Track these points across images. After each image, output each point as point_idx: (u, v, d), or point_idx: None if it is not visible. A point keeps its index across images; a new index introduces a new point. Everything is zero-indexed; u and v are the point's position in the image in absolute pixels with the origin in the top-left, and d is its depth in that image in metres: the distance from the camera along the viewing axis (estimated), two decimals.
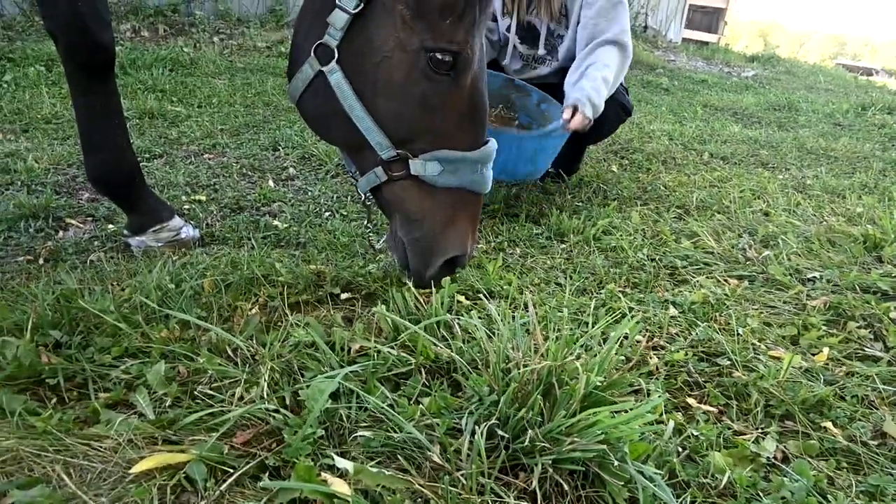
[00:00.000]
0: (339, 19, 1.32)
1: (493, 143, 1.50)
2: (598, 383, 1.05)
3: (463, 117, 1.43)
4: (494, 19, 2.60)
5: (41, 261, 1.84)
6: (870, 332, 1.58)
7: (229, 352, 1.26)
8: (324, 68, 1.37)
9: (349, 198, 2.50)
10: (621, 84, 2.54)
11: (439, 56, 1.33)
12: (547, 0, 2.38)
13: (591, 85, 2.21)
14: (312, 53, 1.37)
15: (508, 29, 2.59)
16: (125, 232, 1.93)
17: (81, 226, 2.13)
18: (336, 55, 1.35)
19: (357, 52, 1.35)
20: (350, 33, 1.34)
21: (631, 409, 1.03)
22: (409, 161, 1.41)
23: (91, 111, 1.73)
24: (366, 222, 1.72)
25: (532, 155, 2.19)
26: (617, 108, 2.47)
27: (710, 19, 13.35)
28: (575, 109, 2.18)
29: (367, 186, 1.49)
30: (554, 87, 2.56)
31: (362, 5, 1.30)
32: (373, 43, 1.34)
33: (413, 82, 1.36)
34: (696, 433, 1.15)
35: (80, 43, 1.60)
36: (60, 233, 2.06)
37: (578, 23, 2.41)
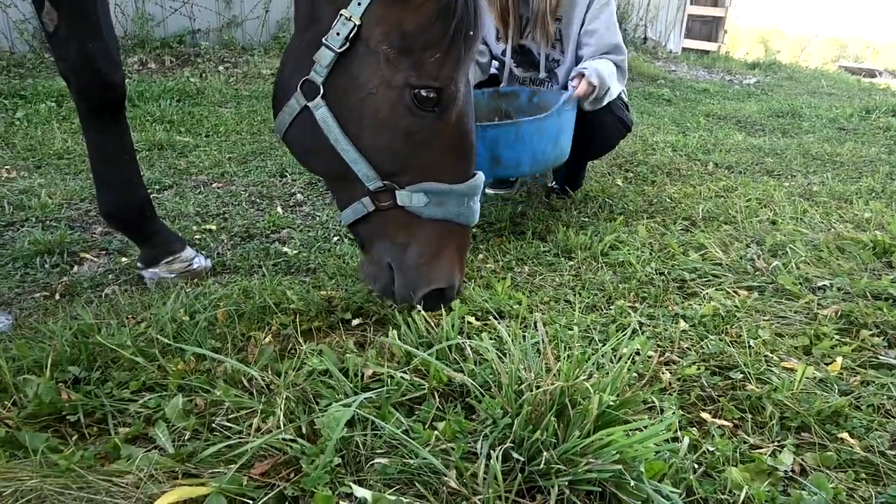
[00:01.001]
0: (324, 57, 1.38)
1: (480, 176, 1.55)
2: (612, 402, 1.05)
3: (449, 151, 1.48)
4: (485, 42, 2.64)
5: (57, 296, 1.87)
6: (883, 339, 1.58)
7: (245, 382, 1.28)
8: (309, 104, 1.42)
9: None
10: (621, 99, 2.57)
11: (423, 93, 1.38)
12: (542, 26, 2.42)
13: (598, 64, 2.29)
14: (298, 89, 1.42)
15: (504, 53, 2.63)
16: (138, 264, 1.96)
17: (96, 260, 2.16)
18: (321, 91, 1.40)
19: (342, 88, 1.40)
20: (335, 71, 1.39)
21: (645, 428, 1.04)
22: (396, 192, 1.46)
23: (103, 149, 1.78)
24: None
25: (556, 135, 2.18)
26: (616, 123, 2.49)
27: (709, 28, 13.41)
28: (581, 77, 2.24)
29: (354, 217, 1.51)
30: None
31: (347, 45, 1.36)
32: (357, 80, 1.39)
33: (398, 118, 1.40)
34: (711, 449, 1.15)
35: (92, 84, 1.65)
36: (75, 267, 2.10)
37: (579, 48, 2.44)
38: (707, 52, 12.17)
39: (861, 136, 4.64)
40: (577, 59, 2.45)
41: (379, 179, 1.45)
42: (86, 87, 1.66)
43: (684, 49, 11.79)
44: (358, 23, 1.35)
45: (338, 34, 1.35)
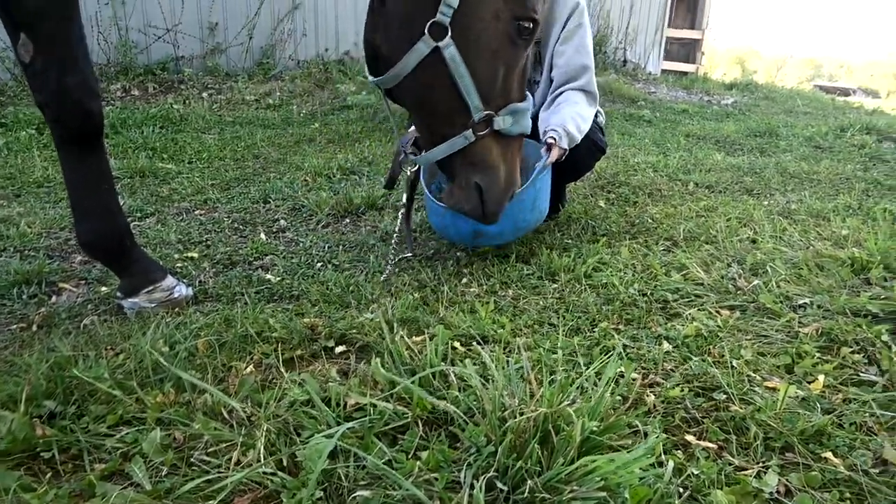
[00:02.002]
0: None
1: (529, 96, 1.81)
2: (595, 428, 1.05)
3: (522, 75, 1.76)
4: None
5: (35, 327, 1.84)
6: (863, 356, 1.59)
7: (225, 414, 1.26)
8: (439, 44, 1.57)
9: (341, 247, 2.52)
10: (595, 122, 2.60)
11: (523, 23, 1.62)
12: None
13: (565, 116, 2.30)
14: (427, 32, 1.55)
15: None
16: (118, 294, 1.94)
17: (74, 289, 2.13)
18: (450, 31, 1.56)
19: (465, 26, 1.57)
20: (458, 11, 1.55)
21: (629, 453, 1.03)
22: (493, 118, 1.70)
23: (81, 178, 1.76)
24: (405, 207, 2.15)
25: (533, 202, 2.23)
26: (590, 146, 2.51)
27: (687, 50, 13.69)
28: (551, 143, 2.25)
29: (450, 150, 1.73)
30: (533, 129, 2.61)
31: None
32: (477, 16, 1.57)
33: (505, 47, 1.63)
34: (696, 472, 1.15)
35: (70, 114, 1.64)
36: (54, 298, 2.07)
37: (551, 69, 2.48)
38: (685, 73, 12.40)
39: (837, 154, 4.74)
40: (550, 80, 2.48)
41: (482, 110, 1.68)
42: (63, 117, 1.65)
43: (663, 71, 12.01)
44: None
45: None
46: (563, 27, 2.42)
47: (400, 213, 2.32)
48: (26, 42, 1.56)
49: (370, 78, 1.77)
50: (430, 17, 1.55)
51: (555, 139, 2.22)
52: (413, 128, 2.26)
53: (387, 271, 2.21)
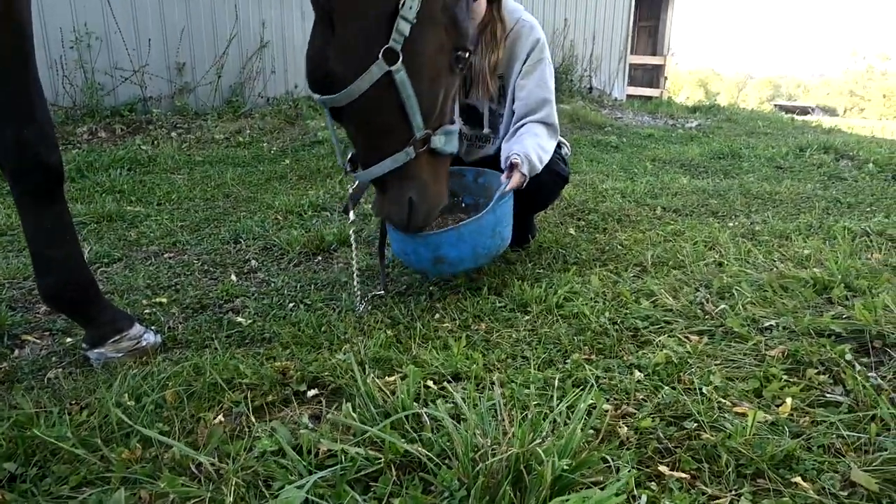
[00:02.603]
0: (404, 28, 1.68)
1: (458, 120, 2.10)
2: (567, 466, 1.05)
3: (454, 101, 1.98)
4: None
5: None
6: (828, 376, 1.62)
7: (193, 468, 1.23)
8: (392, 68, 1.71)
9: (313, 286, 2.51)
10: (558, 153, 2.65)
11: (461, 54, 1.84)
12: (483, 84, 2.51)
13: (527, 145, 2.34)
14: (381, 57, 1.69)
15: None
16: (84, 345, 1.90)
17: (38, 342, 2.08)
18: (401, 57, 1.70)
19: (413, 53, 1.73)
20: (408, 39, 1.70)
21: (602, 490, 1.03)
22: (431, 137, 1.87)
23: (41, 231, 1.73)
24: (349, 215, 2.15)
25: (494, 228, 2.24)
26: (552, 177, 2.56)
27: (650, 75, 14.10)
28: (511, 168, 2.29)
29: (394, 165, 1.86)
30: (496, 161, 2.65)
31: (417, 18, 1.68)
32: (425, 46, 1.74)
33: (445, 75, 1.83)
34: None
35: (29, 168, 1.62)
36: (17, 351, 2.01)
37: (513, 101, 2.53)
38: (650, 98, 12.74)
39: (797, 174, 4.88)
40: (512, 113, 2.54)
41: (423, 129, 1.84)
42: (22, 171, 1.63)
43: (628, 96, 12.32)
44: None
45: (410, 8, 1.67)
46: (524, 62, 2.48)
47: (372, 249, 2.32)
48: None
49: (317, 97, 1.85)
50: (384, 43, 1.69)
51: (517, 162, 2.26)
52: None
53: (359, 308, 2.20)
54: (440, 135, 1.90)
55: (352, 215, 2.18)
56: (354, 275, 2.24)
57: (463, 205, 2.65)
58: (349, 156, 2.07)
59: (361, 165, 1.97)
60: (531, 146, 2.34)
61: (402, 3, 1.66)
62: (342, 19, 1.70)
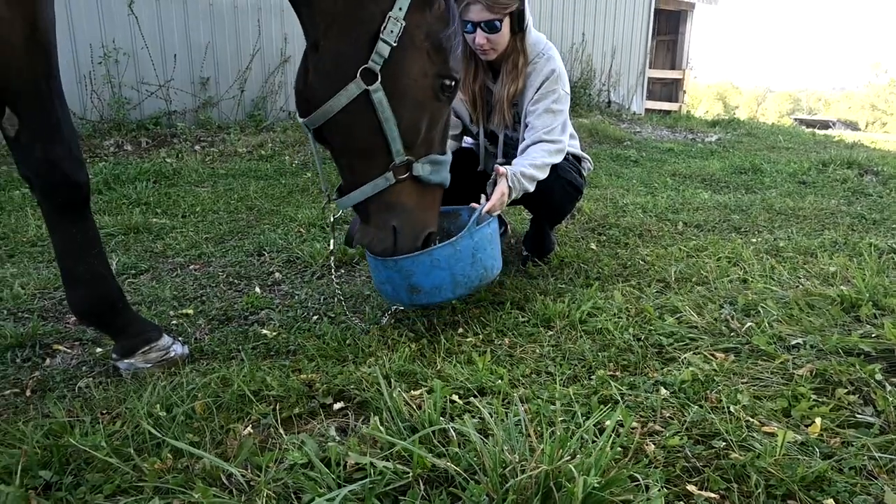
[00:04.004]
0: (383, 49, 1.68)
1: (449, 152, 1.97)
2: (597, 484, 1.05)
3: (443, 129, 1.92)
4: (458, 116, 2.74)
5: (28, 392, 1.83)
6: (858, 397, 1.60)
7: (224, 479, 1.25)
8: (369, 87, 1.69)
9: (336, 299, 2.53)
10: (572, 165, 2.66)
11: (447, 82, 1.80)
12: (500, 113, 2.55)
13: (516, 164, 2.34)
14: (358, 76, 1.69)
15: (477, 135, 2.75)
16: (113, 355, 1.93)
17: (69, 351, 2.12)
18: (379, 78, 1.70)
19: (393, 75, 1.72)
20: (388, 61, 1.69)
21: None
22: (413, 164, 1.84)
23: (69, 246, 1.77)
24: (329, 244, 2.14)
25: (473, 254, 2.08)
26: (564, 186, 2.56)
27: (669, 90, 14.07)
28: (502, 173, 2.26)
29: (373, 192, 1.83)
30: None
31: (397, 41, 1.68)
32: (406, 69, 1.73)
33: (428, 101, 1.80)
34: None
35: (57, 185, 1.66)
36: (48, 360, 2.05)
37: (525, 127, 2.55)
38: (669, 112, 12.71)
39: (820, 189, 4.83)
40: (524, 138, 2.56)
41: (404, 155, 1.80)
42: (50, 188, 1.67)
43: (647, 110, 12.30)
44: (404, 24, 1.67)
45: (392, 31, 1.66)
46: (537, 91, 2.51)
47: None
48: (11, 116, 1.59)
49: (300, 119, 1.85)
50: (363, 62, 1.68)
51: (503, 172, 2.23)
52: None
53: (384, 320, 2.22)
54: (425, 163, 1.86)
55: (331, 244, 2.21)
56: (340, 301, 2.28)
57: None
58: (339, 186, 2.00)
59: (343, 190, 1.92)
60: (521, 163, 2.34)
61: (383, 26, 1.66)
62: (326, 41, 1.71)
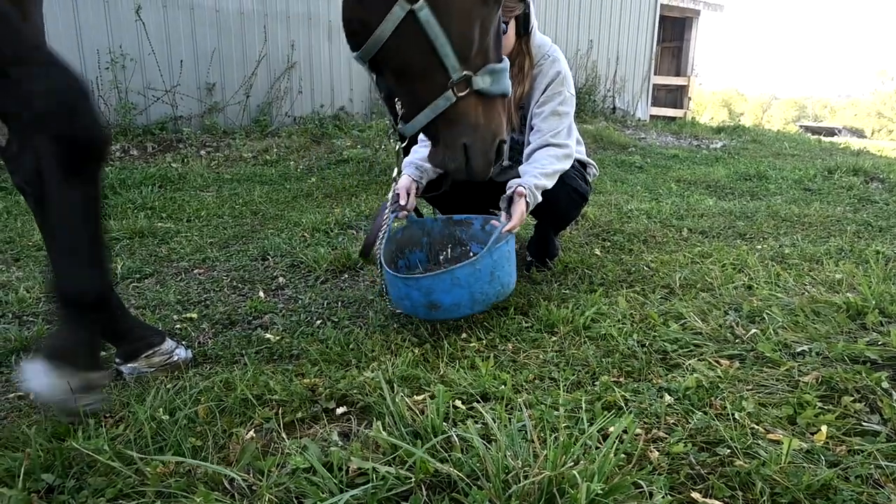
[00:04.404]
0: None
1: (506, 59, 1.86)
2: (600, 491, 1.04)
3: (496, 36, 1.82)
4: None
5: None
6: (865, 405, 1.59)
7: (226, 484, 1.24)
8: (413, 7, 1.63)
9: (340, 303, 2.53)
10: (578, 171, 2.66)
11: None
12: (508, 115, 2.55)
13: (526, 175, 2.33)
14: None
15: None
16: (117, 360, 1.93)
17: None
18: None
19: None
20: None
21: None
22: (472, 78, 1.75)
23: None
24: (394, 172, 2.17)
25: (491, 272, 2.11)
26: (570, 194, 2.56)
27: (674, 96, 14.08)
28: (510, 203, 2.25)
29: (433, 114, 1.78)
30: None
31: None
32: None
33: (478, 8, 1.70)
34: None
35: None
36: None
37: (531, 129, 2.55)
38: (674, 118, 12.71)
39: (826, 196, 4.82)
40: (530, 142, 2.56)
41: (461, 70, 1.72)
42: (43, 198, 1.66)
43: (652, 116, 12.30)
44: None
45: None
46: (543, 93, 2.51)
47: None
48: (1, 126, 1.58)
49: (353, 53, 1.81)
50: None
51: (523, 192, 2.23)
52: (391, 192, 2.30)
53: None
54: (484, 75, 1.78)
55: (395, 172, 2.22)
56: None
57: (472, 254, 2.54)
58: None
59: (406, 118, 1.90)
60: (532, 174, 2.33)
61: None
62: None
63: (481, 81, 1.78)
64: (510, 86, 1.88)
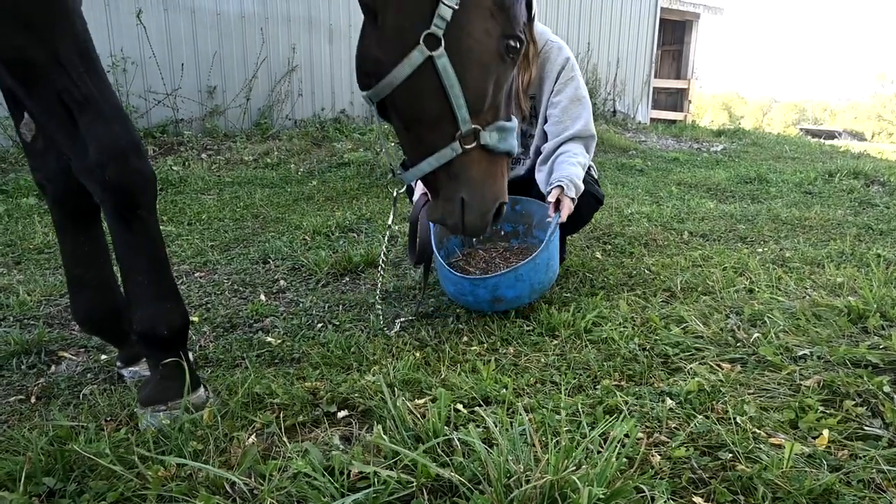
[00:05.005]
0: (445, 12, 1.61)
1: (515, 118, 1.86)
2: (602, 496, 1.04)
3: (509, 94, 1.82)
4: None
5: (33, 399, 1.83)
6: (867, 409, 1.59)
7: (227, 488, 1.24)
8: (433, 53, 1.63)
9: (341, 307, 2.53)
10: (591, 175, 2.67)
11: (512, 42, 1.70)
12: (517, 105, 2.56)
13: (565, 169, 2.40)
14: (422, 42, 1.62)
15: None
16: (118, 363, 1.93)
17: (74, 358, 2.13)
18: (443, 42, 1.63)
19: (456, 39, 1.65)
20: (451, 24, 1.63)
21: None
22: (480, 133, 1.74)
23: (77, 253, 1.78)
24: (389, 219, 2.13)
25: (548, 263, 2.29)
26: (589, 199, 2.58)
27: (674, 99, 14.09)
28: (557, 201, 2.34)
29: (438, 163, 1.76)
30: (527, 183, 2.69)
31: (459, 3, 1.61)
32: (469, 32, 1.66)
33: (494, 64, 1.71)
34: None
35: (69, 193, 1.67)
36: (53, 367, 2.06)
37: (545, 121, 2.57)
38: (674, 121, 12.72)
39: (827, 200, 4.82)
40: (543, 133, 2.59)
41: (470, 123, 1.72)
42: (63, 196, 1.69)
43: (652, 120, 12.31)
44: None
45: None
46: (556, 81, 2.53)
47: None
48: (29, 121, 1.61)
49: (363, 92, 1.82)
50: (425, 28, 1.62)
51: (564, 187, 2.34)
52: (416, 194, 2.34)
53: (395, 328, 2.23)
54: (492, 131, 1.76)
55: (390, 219, 2.24)
56: (378, 295, 2.28)
57: (503, 233, 2.70)
58: (401, 161, 2.03)
59: (409, 164, 1.90)
60: (570, 168, 2.40)
61: None
62: (385, 9, 1.67)
63: (489, 137, 1.76)
64: (517, 147, 1.87)
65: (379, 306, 2.29)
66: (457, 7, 1.61)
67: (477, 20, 1.67)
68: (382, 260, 2.32)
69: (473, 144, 1.75)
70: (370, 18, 1.72)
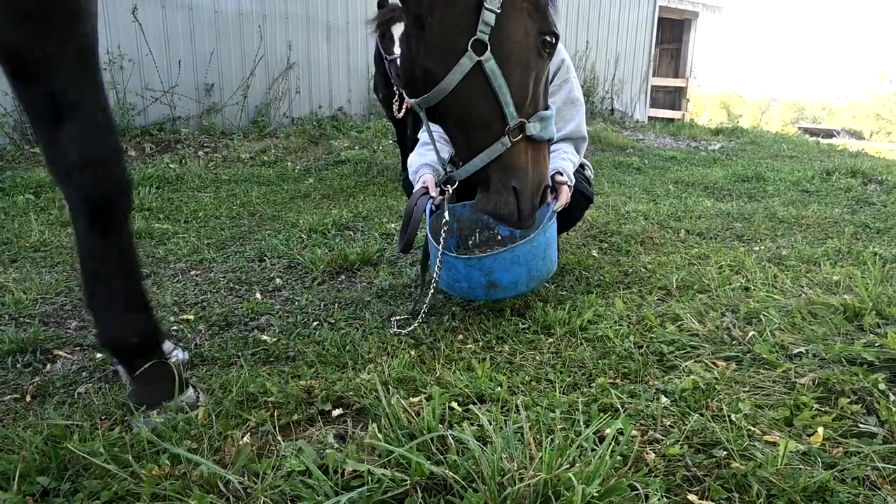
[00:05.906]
0: (489, 18, 1.70)
1: (551, 105, 1.96)
2: (595, 493, 1.04)
3: (545, 86, 1.95)
4: None
5: (28, 397, 1.82)
6: (862, 406, 1.59)
7: (221, 486, 1.24)
8: (481, 58, 1.72)
9: (336, 305, 2.53)
10: (582, 174, 2.68)
11: (548, 38, 1.81)
12: None
13: (560, 164, 2.43)
14: (470, 48, 1.71)
15: None
16: (113, 361, 1.93)
17: (70, 356, 2.12)
18: (489, 47, 1.72)
19: (500, 42, 1.74)
20: (494, 28, 1.72)
21: None
22: (525, 125, 1.84)
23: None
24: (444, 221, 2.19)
25: (545, 250, 2.25)
26: (578, 197, 2.59)
27: (672, 97, 14.09)
28: (555, 188, 2.35)
29: (489, 158, 1.85)
30: None
31: (500, 7, 1.70)
32: (510, 33, 1.75)
33: (533, 60, 1.81)
34: None
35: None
36: (48, 366, 2.05)
37: None
38: (672, 120, 12.72)
39: (824, 198, 4.82)
40: None
41: (517, 117, 1.82)
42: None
43: (650, 118, 12.31)
44: None
45: None
46: (550, 83, 2.53)
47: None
48: None
49: (412, 100, 1.88)
50: (472, 35, 1.71)
51: (562, 178, 2.36)
52: (417, 185, 2.37)
53: (392, 328, 2.23)
54: (535, 121, 1.87)
55: (446, 215, 2.22)
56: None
57: (499, 237, 2.67)
58: (448, 158, 2.07)
59: (460, 162, 1.98)
60: (562, 162, 2.43)
61: None
62: (431, 18, 1.73)
63: (532, 128, 1.86)
64: (555, 132, 1.96)
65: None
66: (498, 11, 1.69)
67: (517, 21, 1.76)
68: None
69: (520, 136, 1.85)
70: (417, 26, 1.78)
